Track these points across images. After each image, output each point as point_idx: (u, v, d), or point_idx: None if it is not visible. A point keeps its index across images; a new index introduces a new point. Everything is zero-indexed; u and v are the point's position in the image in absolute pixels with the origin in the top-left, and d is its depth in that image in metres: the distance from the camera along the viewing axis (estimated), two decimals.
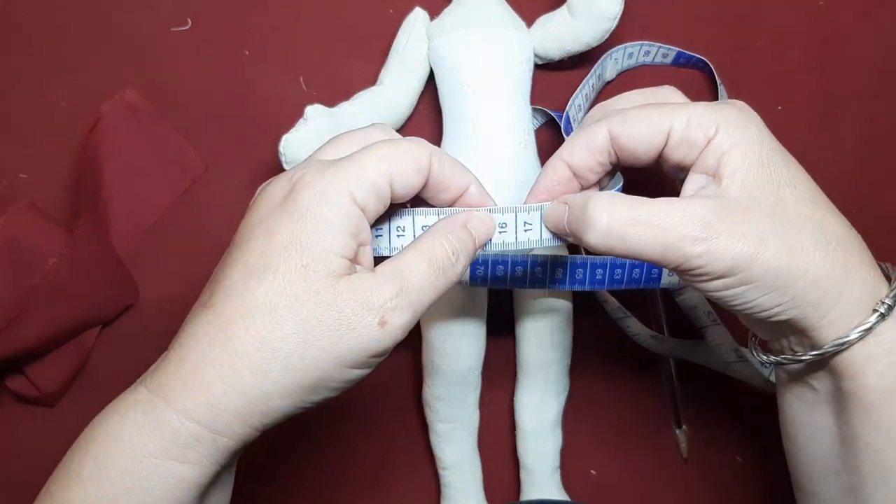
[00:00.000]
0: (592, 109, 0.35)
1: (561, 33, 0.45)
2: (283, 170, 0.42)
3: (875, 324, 0.29)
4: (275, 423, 0.29)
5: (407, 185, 0.30)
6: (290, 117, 0.43)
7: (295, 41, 0.48)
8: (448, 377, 0.44)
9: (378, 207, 0.30)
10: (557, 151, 0.33)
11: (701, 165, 0.30)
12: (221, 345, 0.28)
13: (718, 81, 0.48)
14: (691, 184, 0.31)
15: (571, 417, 0.48)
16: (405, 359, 0.48)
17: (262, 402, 0.28)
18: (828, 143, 0.50)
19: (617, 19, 0.44)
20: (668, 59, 0.49)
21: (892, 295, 0.30)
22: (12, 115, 0.48)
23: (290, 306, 0.27)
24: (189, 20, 0.48)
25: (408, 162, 0.30)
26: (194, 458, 0.28)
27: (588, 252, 0.39)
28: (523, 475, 0.46)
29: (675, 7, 0.49)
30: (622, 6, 0.43)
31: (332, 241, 0.28)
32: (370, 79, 0.47)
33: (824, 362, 0.31)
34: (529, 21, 0.46)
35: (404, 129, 0.47)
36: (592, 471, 0.49)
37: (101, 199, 0.47)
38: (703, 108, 0.30)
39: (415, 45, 0.45)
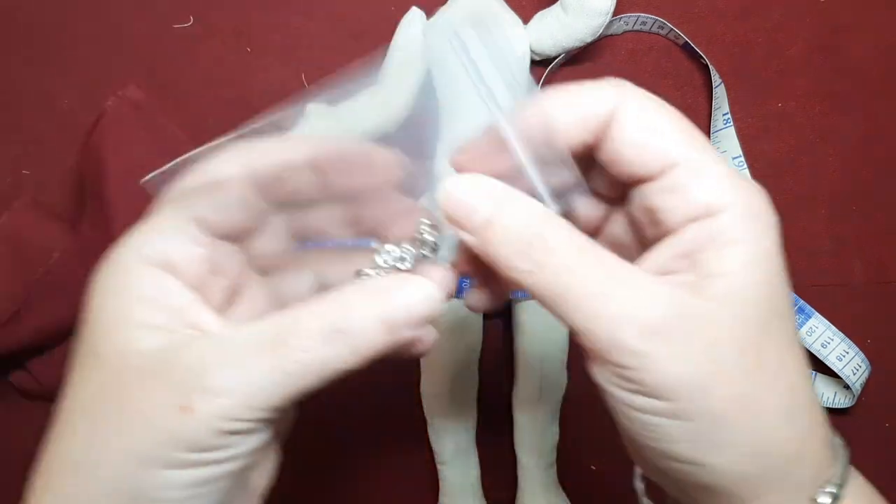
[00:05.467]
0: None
1: (555, 30, 0.45)
2: None
3: None
4: None
5: (222, 216, 0.24)
6: None
7: (297, 38, 0.48)
8: (445, 371, 0.45)
9: (191, 254, 0.23)
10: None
11: (682, 240, 0.23)
12: (38, 472, 0.23)
13: (715, 84, 0.48)
14: (660, 256, 0.23)
15: (571, 412, 0.48)
16: None
17: None
18: (828, 141, 0.50)
19: (609, 14, 0.44)
20: (679, 42, 0.49)
21: (836, 482, 0.23)
22: (15, 111, 0.48)
23: (84, 406, 0.22)
24: (191, 17, 0.48)
25: (209, 188, 0.24)
26: None
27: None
28: (519, 471, 0.47)
29: (674, 4, 0.49)
30: (614, 2, 0.43)
31: (118, 312, 0.22)
32: None
33: None
34: (526, 18, 0.46)
35: (402, 129, 0.48)
36: (592, 466, 0.50)
37: (104, 195, 0.47)
38: (725, 170, 0.23)
39: (411, 44, 0.46)
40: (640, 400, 0.21)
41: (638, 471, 0.26)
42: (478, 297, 0.27)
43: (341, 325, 0.22)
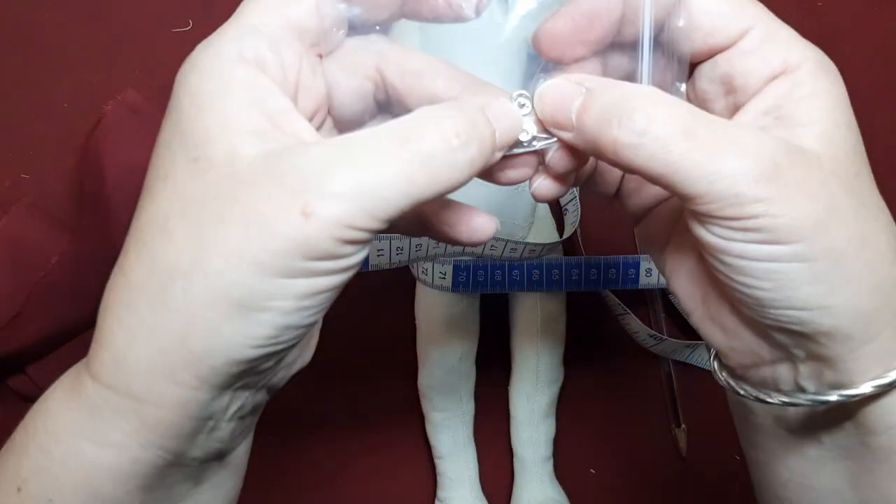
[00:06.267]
0: None
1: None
2: None
3: None
4: (223, 377, 0.21)
5: (311, 15, 0.23)
6: None
7: None
8: (441, 366, 0.45)
9: (286, 58, 0.22)
10: None
11: (764, 98, 0.23)
12: (118, 283, 0.21)
13: None
14: (745, 116, 0.24)
15: (571, 416, 0.48)
16: (404, 346, 0.49)
17: (176, 343, 0.20)
18: None
19: None
20: None
21: None
22: (14, 115, 0.48)
23: (184, 211, 0.20)
24: (190, 21, 0.48)
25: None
26: (116, 438, 0.21)
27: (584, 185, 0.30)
28: (516, 464, 0.47)
29: None
30: None
31: (220, 116, 0.21)
32: None
33: (849, 409, 0.23)
34: None
35: None
36: (592, 469, 0.49)
37: (102, 199, 0.47)
38: (793, 32, 0.24)
39: (406, 36, 0.46)
40: (763, 249, 0.21)
41: (713, 351, 0.27)
42: (548, 185, 0.26)
43: (471, 133, 0.21)
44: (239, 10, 0.23)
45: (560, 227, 0.48)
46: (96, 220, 0.47)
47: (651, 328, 0.47)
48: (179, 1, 0.48)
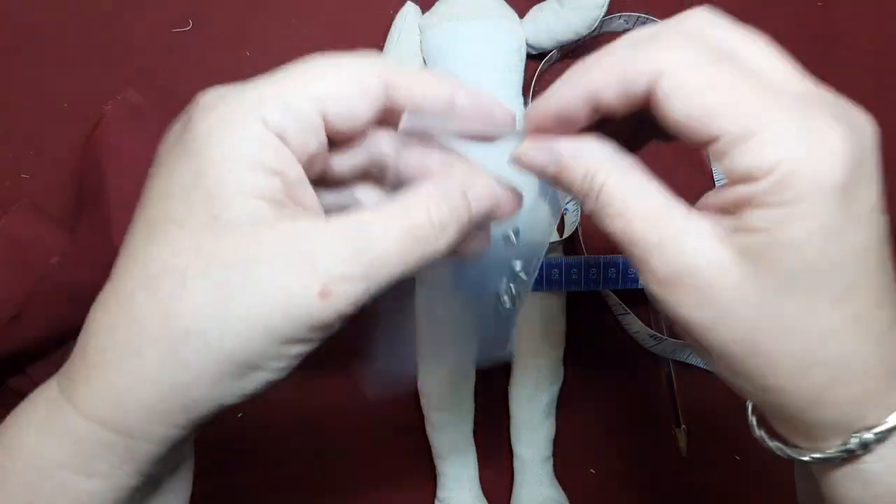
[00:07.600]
0: (621, 38, 0.24)
1: (551, 23, 0.45)
2: None
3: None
4: (208, 417, 0.23)
5: (348, 113, 0.23)
6: None
7: (295, 42, 0.48)
8: (441, 366, 0.45)
9: (306, 139, 0.23)
10: (569, 76, 0.24)
11: (733, 191, 0.22)
12: (123, 326, 0.22)
13: None
14: (719, 196, 0.23)
15: (571, 416, 0.48)
16: None
17: (179, 392, 0.22)
18: None
19: (605, 7, 0.44)
20: None
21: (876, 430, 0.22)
22: (14, 115, 0.48)
23: (206, 272, 0.21)
24: (190, 21, 0.48)
25: (346, 83, 0.23)
26: (104, 469, 0.22)
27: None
28: (516, 464, 0.47)
29: (671, 3, 0.49)
30: None
31: (244, 180, 0.22)
32: None
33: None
34: (521, 12, 0.46)
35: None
36: (592, 470, 0.49)
37: (102, 199, 0.47)
38: (777, 130, 0.21)
39: (407, 38, 0.46)
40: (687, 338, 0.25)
41: (750, 404, 0.27)
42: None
43: (452, 219, 0.24)
44: (278, 71, 0.24)
45: (560, 227, 0.48)
46: (96, 220, 0.47)
47: (651, 328, 0.47)
48: (179, 1, 0.48)
